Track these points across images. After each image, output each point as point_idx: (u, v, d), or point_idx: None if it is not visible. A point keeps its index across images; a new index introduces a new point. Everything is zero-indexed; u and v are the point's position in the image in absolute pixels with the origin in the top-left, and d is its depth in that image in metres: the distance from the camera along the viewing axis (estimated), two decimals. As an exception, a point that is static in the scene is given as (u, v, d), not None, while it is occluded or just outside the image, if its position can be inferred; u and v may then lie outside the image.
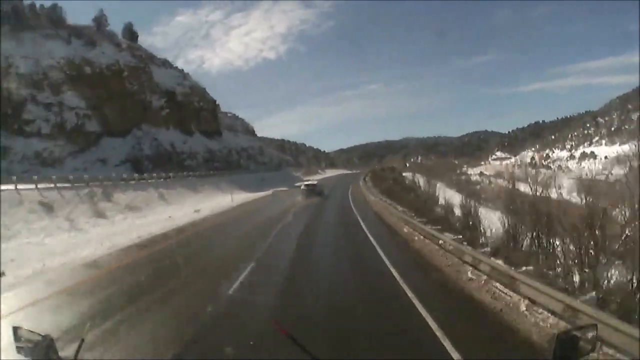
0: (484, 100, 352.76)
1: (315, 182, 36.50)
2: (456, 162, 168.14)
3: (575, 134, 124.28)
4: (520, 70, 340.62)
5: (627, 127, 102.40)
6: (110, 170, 39.18)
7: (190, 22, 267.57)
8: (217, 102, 61.43)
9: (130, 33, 59.48)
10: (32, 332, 1.69)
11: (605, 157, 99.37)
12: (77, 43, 48.32)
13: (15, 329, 1.70)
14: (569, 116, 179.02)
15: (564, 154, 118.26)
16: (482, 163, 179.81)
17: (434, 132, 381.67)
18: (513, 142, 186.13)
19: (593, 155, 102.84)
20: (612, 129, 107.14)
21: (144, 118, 48.11)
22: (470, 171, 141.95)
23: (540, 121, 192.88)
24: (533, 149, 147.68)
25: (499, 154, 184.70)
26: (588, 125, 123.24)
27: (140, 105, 48.24)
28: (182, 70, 61.49)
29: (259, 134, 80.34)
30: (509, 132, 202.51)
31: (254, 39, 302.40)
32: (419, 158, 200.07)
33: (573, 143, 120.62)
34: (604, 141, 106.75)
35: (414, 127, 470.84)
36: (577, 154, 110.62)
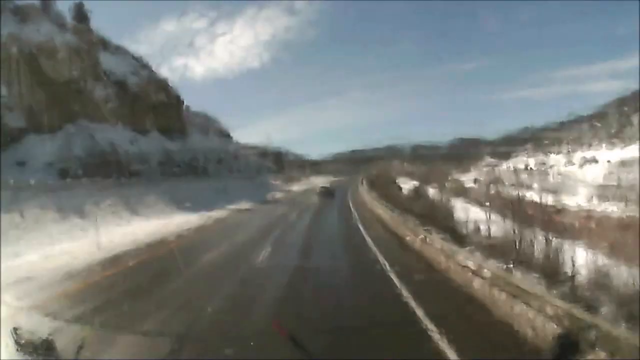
0: (469, 106, 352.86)
1: (328, 185, 41.63)
2: (444, 168, 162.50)
3: (572, 138, 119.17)
4: (504, 77, 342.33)
5: (628, 129, 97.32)
6: (30, 174, 29.21)
7: (175, 29, 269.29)
8: (182, 98, 51.77)
9: (79, 13, 49.54)
10: (32, 333, 1.74)
11: (608, 162, 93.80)
12: (8, 18, 38.28)
13: (16, 330, 1.73)
14: (559, 121, 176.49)
15: (561, 158, 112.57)
16: (472, 169, 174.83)
17: (419, 138, 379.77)
18: (503, 147, 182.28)
19: (594, 160, 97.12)
20: (612, 131, 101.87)
21: (83, 111, 38.22)
22: (462, 177, 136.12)
23: (530, 126, 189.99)
24: (526, 154, 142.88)
25: (489, 159, 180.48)
26: (585, 129, 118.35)
27: (78, 95, 38.34)
28: (141, 58, 51.62)
29: (242, 141, 71.82)
30: (497, 137, 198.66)
31: (239, 46, 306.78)
32: (405, 164, 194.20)
33: (570, 147, 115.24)
34: (603, 145, 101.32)
35: (399, 133, 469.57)
36: (576, 158, 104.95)
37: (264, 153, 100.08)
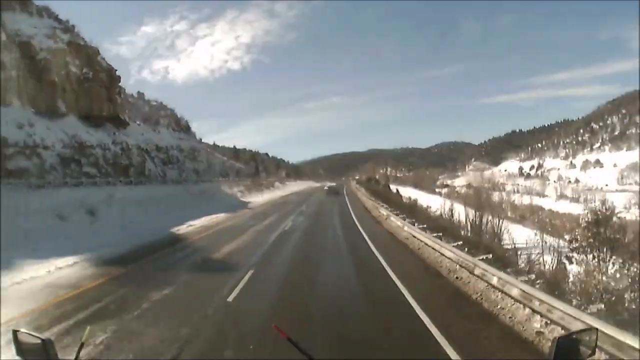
0: (451, 111, 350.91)
1: (334, 184, 49.64)
2: (428, 173, 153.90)
3: (568, 141, 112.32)
4: (486, 82, 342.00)
5: (633, 131, 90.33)
6: None
7: (156, 32, 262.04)
8: (118, 75, 38.87)
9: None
10: (32, 334, 1.66)
11: (615, 165, 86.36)
12: None
13: (15, 332, 1.68)
14: (547, 125, 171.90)
15: (559, 162, 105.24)
16: (459, 174, 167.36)
17: (401, 143, 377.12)
18: (490, 152, 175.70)
19: (598, 163, 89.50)
20: (615, 133, 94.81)
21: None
22: (450, 182, 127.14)
23: (517, 130, 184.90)
24: (517, 158, 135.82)
25: (476, 164, 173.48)
26: (581, 131, 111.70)
27: None
28: (68, 21, 38.62)
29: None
30: (485, 141, 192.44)
31: (219, 49, 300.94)
32: (388, 169, 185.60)
33: (567, 150, 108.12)
34: (607, 147, 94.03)
35: (380, 138, 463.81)
36: (578, 161, 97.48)
37: (236, 155, 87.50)
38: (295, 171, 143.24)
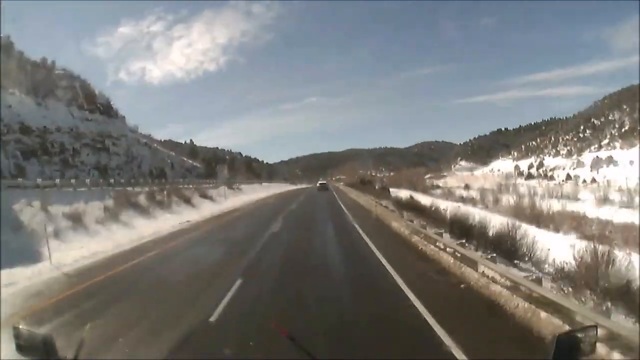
0: (429, 111, 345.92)
1: (325, 182, 56.87)
2: (413, 174, 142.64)
3: (568, 137, 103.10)
4: (463, 83, 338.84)
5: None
6: None
7: (133, 33, 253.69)
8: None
9: None
10: (32, 332, 1.67)
11: (631, 162, 76.81)
12: None
13: (16, 329, 1.67)
14: (532, 123, 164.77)
15: (561, 160, 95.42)
16: (445, 174, 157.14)
17: (379, 143, 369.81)
18: (477, 151, 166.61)
19: (611, 161, 79.81)
20: (624, 129, 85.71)
21: None
22: (441, 183, 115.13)
23: (503, 129, 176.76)
24: (510, 156, 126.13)
25: (463, 163, 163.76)
26: (582, 127, 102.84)
27: None
28: None
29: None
30: (469, 140, 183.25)
31: (196, 50, 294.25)
32: (370, 170, 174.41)
33: (569, 148, 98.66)
34: (617, 144, 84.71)
35: (358, 138, 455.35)
36: (586, 159, 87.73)
37: (193, 152, 71.15)
38: (270, 171, 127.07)
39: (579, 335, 1.51)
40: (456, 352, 4.21)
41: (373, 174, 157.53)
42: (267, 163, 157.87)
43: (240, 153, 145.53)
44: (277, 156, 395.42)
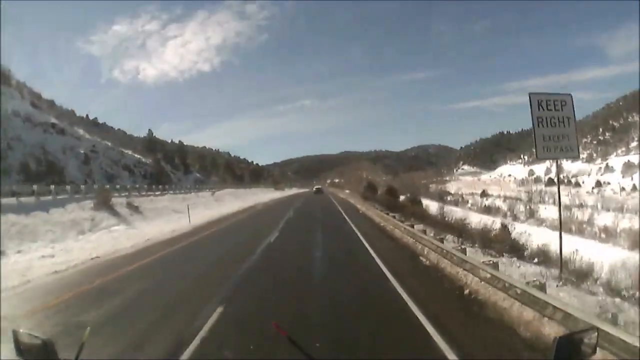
0: (425, 115, 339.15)
1: (320, 187, 66.23)
2: (417, 177, 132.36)
3: (586, 140, 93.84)
4: (458, 87, 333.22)
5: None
6: None
7: (127, 31, 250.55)
8: None
9: None
10: (32, 335, 1.63)
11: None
12: None
13: (16, 332, 1.65)
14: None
15: (583, 165, 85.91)
16: (447, 178, 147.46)
17: (374, 146, 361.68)
18: (479, 155, 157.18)
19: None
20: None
21: None
22: (453, 190, 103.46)
23: (505, 132, 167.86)
24: (520, 160, 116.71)
25: (466, 167, 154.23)
26: (601, 130, 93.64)
27: None
28: None
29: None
30: (470, 144, 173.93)
31: (189, 50, 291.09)
32: (365, 173, 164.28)
33: (590, 152, 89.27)
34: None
35: (353, 140, 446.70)
36: (615, 164, 78.19)
37: (150, 146, 58.03)
38: (257, 174, 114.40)
39: (580, 337, 1.48)
40: None
41: (369, 177, 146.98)
42: (257, 164, 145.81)
43: (228, 153, 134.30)
44: (270, 157, 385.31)
